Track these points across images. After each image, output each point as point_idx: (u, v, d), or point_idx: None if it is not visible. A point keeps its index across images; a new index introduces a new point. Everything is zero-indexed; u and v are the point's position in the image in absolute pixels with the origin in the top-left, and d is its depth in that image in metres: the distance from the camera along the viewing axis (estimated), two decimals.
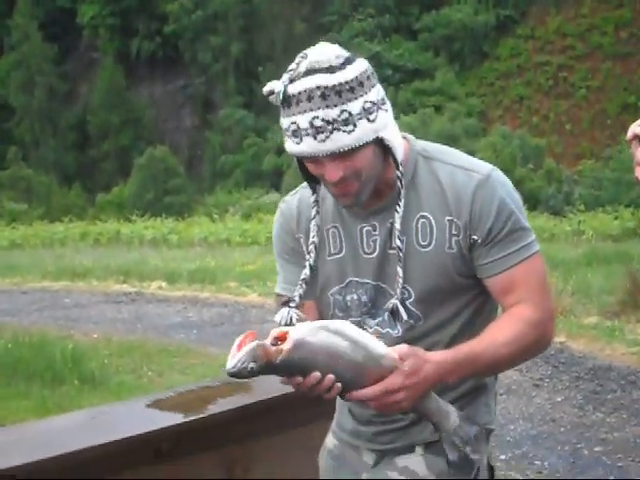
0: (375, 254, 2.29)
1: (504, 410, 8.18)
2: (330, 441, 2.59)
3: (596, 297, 13.19)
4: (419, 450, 2.36)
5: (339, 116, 2.06)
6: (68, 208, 47.01)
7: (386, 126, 2.17)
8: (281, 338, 1.94)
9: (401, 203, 2.22)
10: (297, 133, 2.10)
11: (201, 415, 3.23)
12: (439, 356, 2.14)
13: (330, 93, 2.06)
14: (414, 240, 2.24)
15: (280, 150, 50.98)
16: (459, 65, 63.99)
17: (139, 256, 22.18)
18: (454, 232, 2.24)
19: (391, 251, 2.26)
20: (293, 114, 2.09)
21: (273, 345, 1.92)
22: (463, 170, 2.26)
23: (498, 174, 2.28)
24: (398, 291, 2.23)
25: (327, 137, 2.07)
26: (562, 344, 10.51)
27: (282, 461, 3.40)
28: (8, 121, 65.23)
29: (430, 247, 2.25)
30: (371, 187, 2.20)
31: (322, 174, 2.16)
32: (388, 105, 2.20)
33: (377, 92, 2.16)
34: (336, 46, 2.19)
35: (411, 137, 2.34)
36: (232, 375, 1.90)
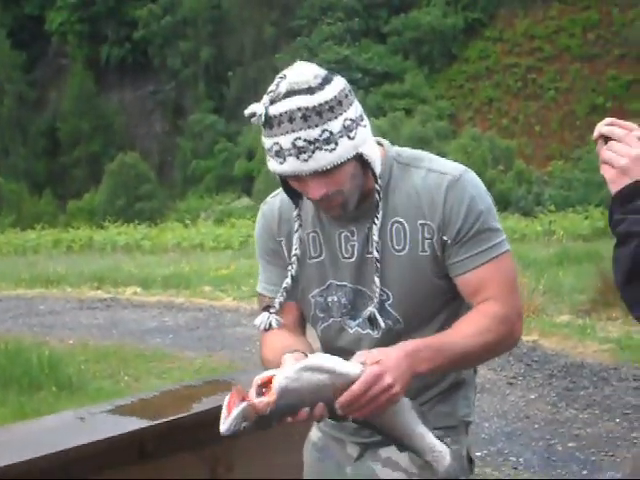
0: (353, 259, 2.36)
1: (478, 408, 8.27)
2: (314, 434, 2.65)
3: (567, 296, 13.33)
4: None
5: (320, 136, 2.12)
6: (39, 215, 46.84)
7: (365, 141, 2.23)
8: (265, 384, 1.99)
9: (379, 215, 2.29)
10: (280, 153, 2.15)
11: (184, 414, 3.29)
12: (397, 345, 2.18)
13: (311, 114, 2.11)
14: (389, 245, 2.31)
15: (251, 155, 51.00)
16: (428, 68, 64.21)
17: (113, 262, 22.16)
18: (427, 235, 2.30)
19: (368, 255, 2.32)
20: (275, 135, 2.14)
21: (258, 394, 1.97)
22: (435, 173, 2.32)
23: (470, 175, 2.34)
24: (375, 300, 2.30)
25: (310, 157, 2.13)
26: (535, 342, 10.63)
27: (264, 459, 3.45)
28: None
29: (404, 251, 2.31)
30: (356, 198, 2.26)
31: (306, 192, 2.23)
32: (366, 120, 2.26)
33: (355, 109, 2.21)
34: (314, 65, 2.22)
35: (386, 143, 2.40)
36: (227, 436, 1.97)
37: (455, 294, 2.36)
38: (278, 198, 2.47)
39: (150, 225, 33.84)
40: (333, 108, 2.14)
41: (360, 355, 2.10)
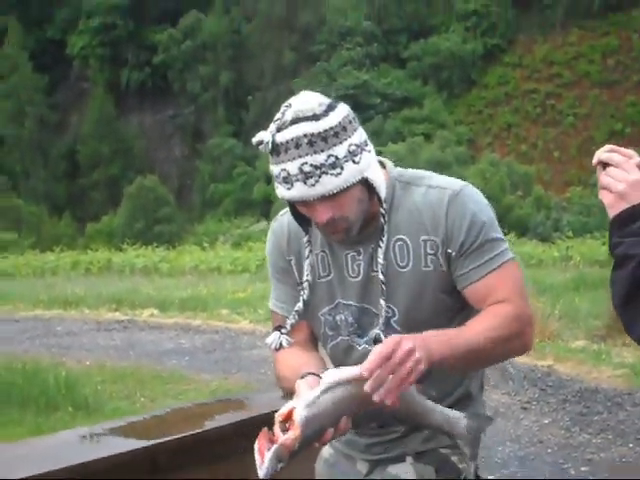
0: (359, 278, 2.40)
1: (492, 432, 8.29)
2: (326, 450, 2.68)
3: (583, 321, 13.29)
4: (409, 459, 2.46)
5: (326, 161, 2.18)
6: (58, 237, 47.03)
7: (370, 166, 2.28)
8: (286, 418, 2.03)
9: (384, 238, 2.34)
10: (288, 179, 2.20)
11: (196, 431, 3.34)
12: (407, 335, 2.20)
13: (316, 140, 2.17)
14: (393, 262, 2.35)
15: (270, 179, 50.79)
16: (447, 93, 64.39)
17: (131, 284, 22.19)
18: (430, 251, 2.34)
19: (373, 274, 2.37)
20: (282, 161, 2.20)
21: (282, 430, 2.01)
22: (436, 189, 2.37)
23: (470, 189, 2.38)
24: (381, 321, 2.34)
25: (316, 181, 2.18)
26: (550, 367, 10.62)
27: (277, 476, 3.49)
28: None
29: (408, 267, 2.35)
30: (360, 223, 2.31)
31: (313, 216, 2.28)
32: (370, 146, 2.32)
33: (360, 135, 2.28)
34: (318, 94, 2.29)
35: (389, 163, 2.46)
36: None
37: (460, 309, 2.38)
38: (287, 216, 2.51)
39: (168, 248, 33.93)
40: (338, 134, 2.20)
41: (372, 354, 2.08)
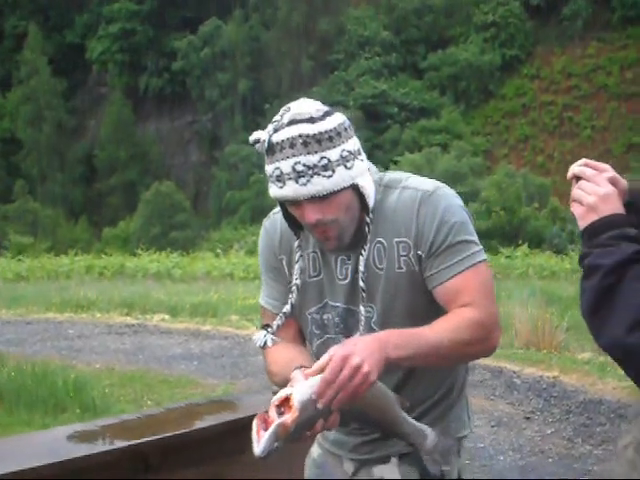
0: (347, 281, 2.47)
1: (494, 442, 8.33)
2: (315, 450, 2.77)
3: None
4: (394, 461, 2.53)
5: (319, 162, 2.25)
6: (74, 242, 47.24)
7: (361, 174, 2.35)
8: (282, 404, 2.10)
9: (366, 247, 2.40)
10: (280, 178, 2.28)
11: (189, 429, 3.41)
12: (378, 332, 2.30)
13: (311, 141, 2.25)
14: (372, 264, 2.42)
15: None
16: (465, 104, 64.37)
17: (143, 289, 22.24)
18: (402, 252, 2.40)
19: (357, 275, 2.43)
20: (277, 160, 2.28)
21: (278, 414, 2.09)
22: (410, 190, 2.43)
23: (443, 190, 2.43)
24: (361, 327, 2.40)
25: (308, 181, 2.25)
26: (555, 378, 10.63)
27: (266, 475, 3.55)
28: (15, 155, 65.67)
29: (384, 269, 2.42)
30: (351, 230, 2.39)
31: (302, 217, 2.34)
32: (364, 156, 2.39)
33: (354, 143, 2.35)
34: (317, 101, 2.37)
35: (373, 168, 2.50)
36: (263, 458, 2.08)
37: (435, 311, 2.40)
38: (280, 215, 2.57)
39: (182, 254, 34.03)
40: (332, 138, 2.28)
41: (330, 350, 2.17)
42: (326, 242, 2.40)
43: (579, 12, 63.22)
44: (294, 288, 2.49)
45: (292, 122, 2.27)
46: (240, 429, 3.36)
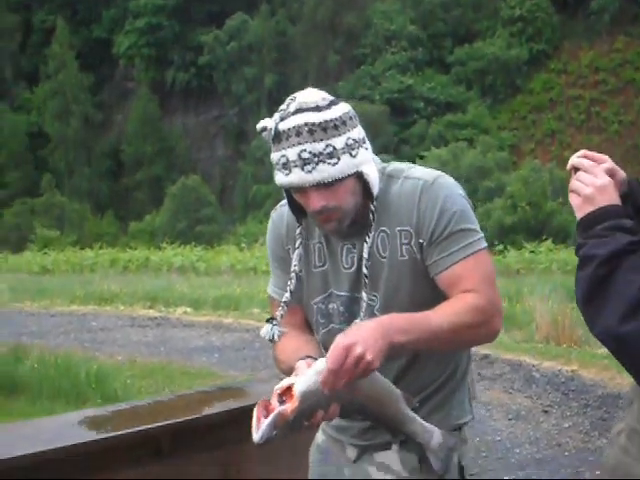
0: (352, 269, 2.52)
1: (511, 435, 8.36)
2: (319, 436, 2.81)
3: None
4: (395, 447, 2.57)
5: (324, 149, 2.31)
6: (100, 236, 47.44)
7: (366, 162, 2.41)
8: (284, 392, 2.17)
9: (370, 234, 2.45)
10: (287, 165, 2.34)
11: (199, 415, 3.47)
12: (382, 316, 2.34)
13: (317, 129, 2.31)
14: (375, 252, 2.47)
15: None
16: (491, 98, 64.04)
17: (166, 283, 22.36)
18: (404, 240, 2.44)
19: (361, 263, 2.47)
20: (283, 148, 2.34)
21: (280, 402, 2.16)
22: (411, 179, 2.47)
23: (444, 180, 2.48)
24: (362, 313, 2.44)
25: (313, 168, 2.31)
26: (574, 372, 10.62)
27: (273, 462, 3.61)
28: (43, 149, 65.94)
29: (387, 258, 2.47)
30: (351, 216, 2.43)
31: (307, 204, 2.40)
32: (368, 145, 2.45)
33: (359, 132, 2.41)
34: (323, 92, 2.42)
35: (376, 159, 2.55)
36: (261, 444, 2.14)
37: (438, 298, 2.43)
38: (287, 207, 2.62)
39: (207, 248, 34.10)
40: (337, 127, 2.34)
41: (339, 336, 2.22)
42: (326, 225, 2.44)
43: (606, 6, 62.72)
44: (293, 275, 2.54)
45: (298, 110, 2.32)
46: (248, 416, 3.44)
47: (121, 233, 55.47)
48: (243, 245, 33.00)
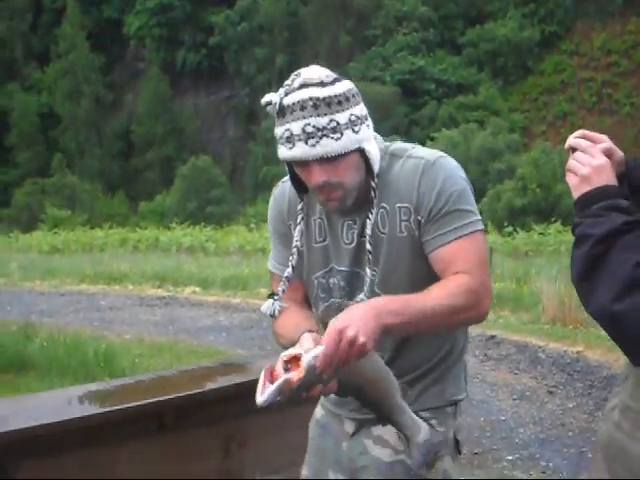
0: (353, 244, 2.56)
1: (515, 415, 8.41)
2: (318, 411, 2.86)
3: None
4: None
5: (328, 124, 2.35)
6: (111, 216, 47.50)
7: (368, 139, 2.45)
8: (289, 361, 2.21)
9: (373, 210, 2.49)
10: (290, 139, 2.38)
11: (201, 390, 3.52)
12: (376, 298, 2.38)
13: (321, 104, 2.35)
14: (376, 228, 2.51)
15: None
16: (503, 80, 63.86)
17: (175, 263, 22.39)
18: (404, 217, 2.49)
19: (363, 239, 2.52)
20: (287, 122, 2.38)
21: (284, 370, 2.20)
22: (414, 159, 2.52)
23: (446, 160, 2.52)
24: (366, 288, 2.49)
25: (317, 142, 2.35)
26: (579, 353, 10.65)
27: (275, 436, 3.66)
28: (54, 129, 65.98)
29: (386, 233, 2.51)
30: (354, 194, 2.47)
31: (309, 179, 2.44)
32: (370, 122, 2.49)
33: (361, 109, 2.45)
34: (326, 69, 2.46)
35: (378, 137, 2.59)
36: (263, 406, 2.19)
37: (436, 278, 2.47)
38: (288, 183, 2.67)
39: (216, 228, 34.13)
40: (341, 102, 2.38)
41: (332, 321, 2.27)
42: (329, 203, 2.48)
43: None
44: (294, 250, 2.59)
45: (303, 86, 2.37)
46: (249, 390, 3.49)
47: (131, 213, 55.53)
48: (252, 226, 33.01)
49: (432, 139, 44.26)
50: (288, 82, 2.40)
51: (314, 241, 2.63)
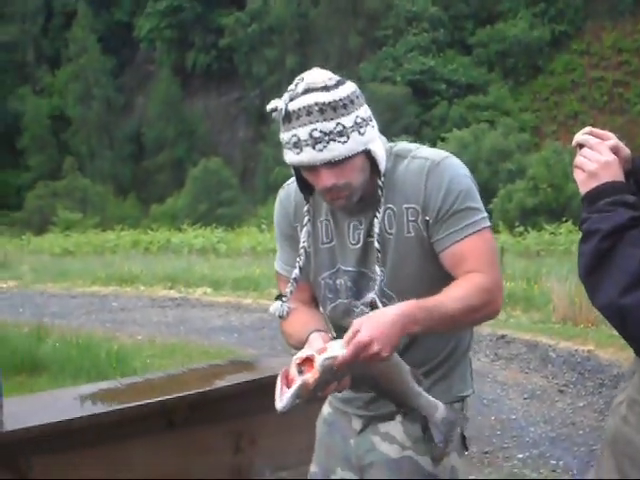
0: (359, 245, 2.59)
1: (526, 413, 8.41)
2: (325, 409, 2.89)
3: None
4: (398, 418, 2.65)
5: (335, 128, 2.38)
6: (123, 218, 47.51)
7: (373, 140, 2.48)
8: (303, 363, 2.24)
9: (380, 209, 2.52)
10: (298, 144, 2.41)
11: (211, 388, 3.55)
12: (395, 306, 2.39)
13: (327, 108, 2.38)
14: (383, 229, 2.54)
15: None
16: (513, 80, 63.73)
17: (187, 264, 22.40)
18: (411, 218, 2.51)
19: (370, 239, 2.55)
20: (294, 127, 2.41)
21: (299, 372, 2.23)
22: (419, 159, 2.54)
23: (451, 160, 2.55)
24: (376, 287, 2.51)
25: (324, 147, 2.38)
26: (590, 352, 10.65)
27: (284, 434, 3.69)
28: (65, 132, 66.11)
29: (393, 234, 2.54)
30: (360, 192, 2.49)
31: (317, 182, 2.46)
32: (374, 123, 2.51)
33: (365, 110, 2.48)
34: (328, 71, 2.50)
35: (383, 138, 2.61)
36: (284, 413, 2.22)
37: (444, 276, 2.51)
38: (294, 185, 2.70)
39: (227, 229, 34.16)
40: (346, 105, 2.40)
41: (356, 323, 2.30)
42: (335, 202, 2.51)
43: None
44: (302, 251, 2.61)
45: (307, 91, 2.39)
46: (258, 388, 3.53)
47: (143, 215, 55.52)
48: (264, 227, 33.00)
49: (443, 139, 44.23)
50: (292, 87, 2.43)
51: (321, 242, 2.66)
